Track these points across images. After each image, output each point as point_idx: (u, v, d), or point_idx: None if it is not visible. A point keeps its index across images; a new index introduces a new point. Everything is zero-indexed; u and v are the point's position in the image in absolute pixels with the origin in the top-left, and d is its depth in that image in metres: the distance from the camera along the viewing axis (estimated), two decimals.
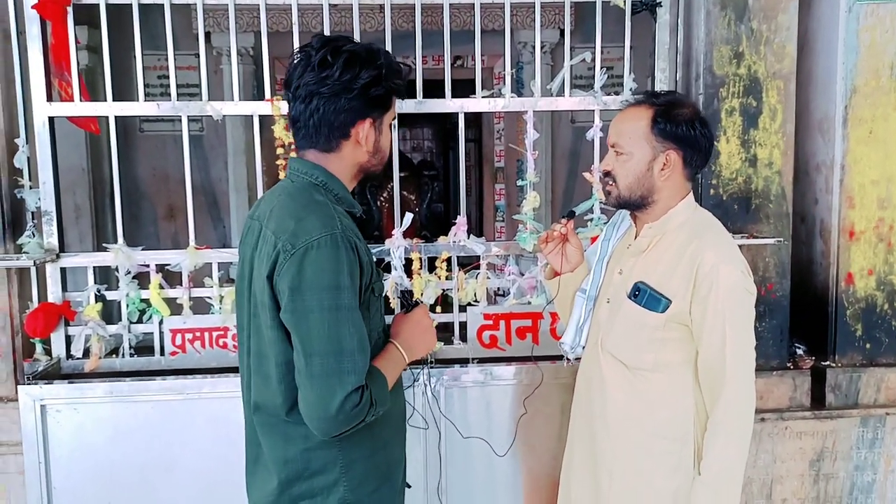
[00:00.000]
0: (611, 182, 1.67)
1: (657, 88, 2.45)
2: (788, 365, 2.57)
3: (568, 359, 1.85)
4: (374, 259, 1.51)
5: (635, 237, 1.73)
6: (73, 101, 2.34)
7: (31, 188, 2.40)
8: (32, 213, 2.42)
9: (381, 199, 7.78)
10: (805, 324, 2.65)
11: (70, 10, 2.30)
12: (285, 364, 1.37)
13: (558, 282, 1.88)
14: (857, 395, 2.53)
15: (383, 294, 1.52)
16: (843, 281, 2.54)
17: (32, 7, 2.25)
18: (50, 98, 2.32)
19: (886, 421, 2.48)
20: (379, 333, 1.50)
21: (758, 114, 2.46)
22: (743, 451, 1.58)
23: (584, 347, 1.81)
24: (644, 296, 1.62)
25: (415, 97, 2.42)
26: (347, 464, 1.42)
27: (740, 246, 2.36)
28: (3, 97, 2.38)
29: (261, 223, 1.42)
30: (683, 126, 1.61)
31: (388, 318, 1.60)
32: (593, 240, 2.16)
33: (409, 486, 1.69)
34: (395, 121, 2.37)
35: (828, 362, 2.57)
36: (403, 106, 2.42)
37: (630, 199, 1.66)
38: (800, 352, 2.60)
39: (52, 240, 2.35)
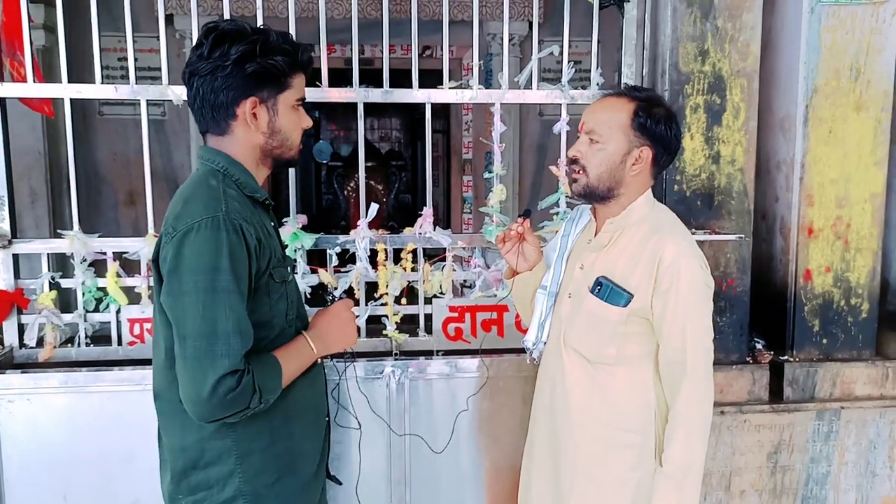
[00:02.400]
0: (578, 170, 1.66)
1: (623, 83, 2.46)
2: (748, 359, 2.61)
3: (532, 358, 1.85)
4: (280, 244, 1.49)
5: (595, 233, 1.74)
6: (25, 81, 2.26)
7: None
8: None
9: (349, 188, 7.73)
10: (765, 319, 2.70)
11: None
12: (172, 349, 1.35)
13: (514, 280, 1.88)
14: (814, 390, 2.58)
15: (287, 280, 1.48)
16: (802, 277, 2.59)
17: None
18: (1, 78, 2.24)
19: (841, 415, 2.54)
20: (290, 321, 1.48)
21: (721, 111, 2.48)
22: (703, 442, 1.60)
23: (545, 343, 1.81)
24: (606, 290, 1.63)
25: (370, 84, 2.39)
26: (243, 454, 1.40)
27: (702, 242, 2.40)
28: None
29: None
30: (662, 125, 1.63)
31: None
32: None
33: (340, 483, 1.69)
34: (363, 109, 2.36)
35: (786, 357, 2.62)
36: (370, 95, 2.39)
37: (597, 189, 1.66)
38: (759, 346, 2.65)
39: (4, 225, 2.28)
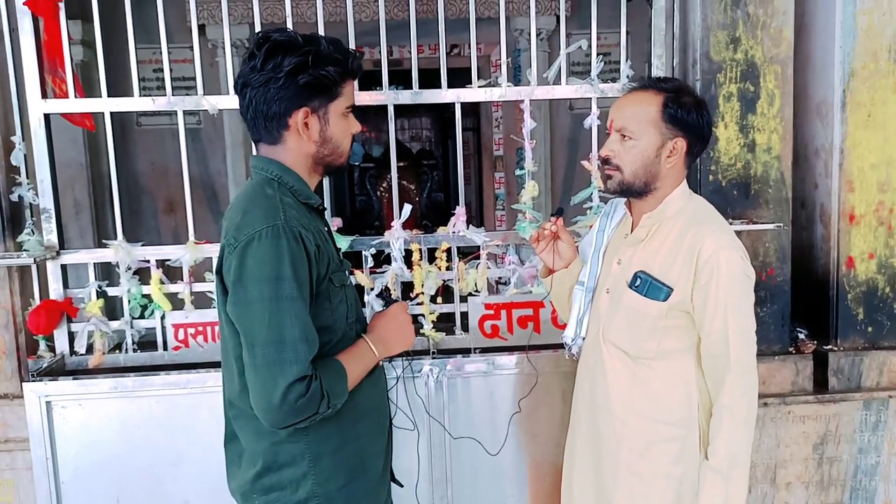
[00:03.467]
0: (612, 168, 1.65)
1: (654, 75, 2.44)
2: (790, 349, 2.57)
3: (571, 353, 1.85)
4: (351, 251, 1.50)
5: (632, 227, 1.73)
6: (67, 97, 2.34)
7: (28, 186, 2.40)
8: (31, 210, 2.43)
9: (381, 189, 7.79)
10: (807, 308, 2.65)
11: (62, 5, 2.29)
12: (241, 358, 1.36)
13: (552, 279, 1.88)
14: (860, 379, 2.53)
15: (346, 284, 1.50)
16: (844, 265, 2.54)
17: (24, 3, 2.24)
18: (45, 95, 2.31)
19: (889, 404, 2.49)
20: (350, 324, 1.49)
21: (756, 99, 2.45)
22: (749, 434, 1.59)
23: (584, 339, 1.81)
24: (645, 285, 1.63)
25: (399, 85, 2.40)
26: (315, 457, 1.42)
27: (740, 232, 2.37)
28: None
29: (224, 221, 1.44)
30: (693, 113, 1.61)
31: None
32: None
33: (402, 486, 1.69)
34: (393, 111, 2.39)
35: (830, 346, 2.57)
36: (399, 97, 2.41)
37: (634, 185, 1.65)
38: (802, 336, 2.60)
39: (52, 237, 2.35)
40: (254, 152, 2.36)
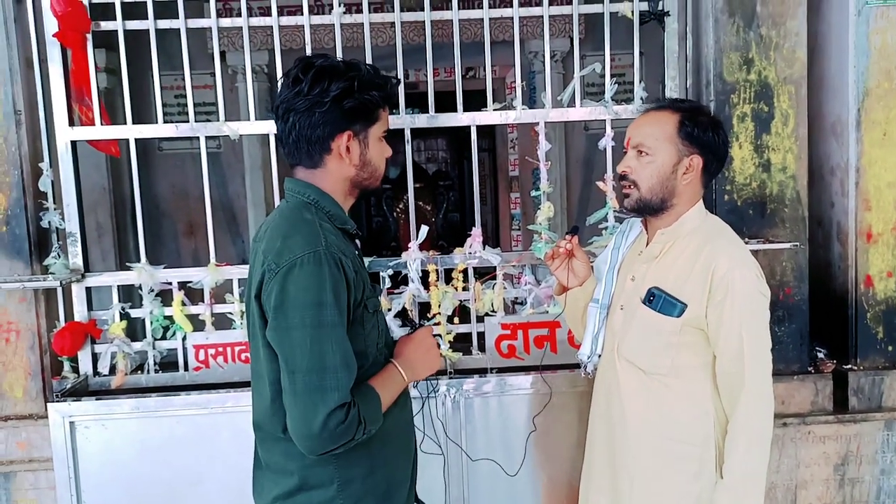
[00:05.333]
0: (629, 185, 1.67)
1: (668, 96, 2.46)
2: (809, 369, 2.55)
3: (587, 372, 1.86)
4: (369, 273, 1.51)
5: (647, 244, 1.74)
6: (93, 125, 2.40)
7: (55, 210, 2.46)
8: (57, 234, 2.48)
9: (398, 210, 7.83)
10: (825, 327, 2.63)
11: (90, 37, 2.36)
12: (277, 383, 1.37)
13: (566, 297, 1.90)
14: (881, 399, 2.51)
15: (379, 309, 1.50)
16: (863, 283, 2.52)
17: (53, 35, 2.32)
18: (72, 122, 2.38)
19: None
20: (380, 350, 1.49)
21: (770, 119, 2.46)
22: (765, 453, 1.58)
23: (600, 356, 1.82)
24: (659, 301, 1.63)
25: (415, 108, 2.44)
26: (344, 482, 1.42)
27: (756, 251, 2.37)
28: (28, 123, 2.45)
29: (257, 244, 1.45)
30: (710, 132, 1.64)
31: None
32: None
33: None
34: (409, 133, 2.43)
35: (849, 366, 2.55)
36: (416, 121, 2.45)
37: (651, 201, 1.66)
38: (821, 355, 2.58)
39: (77, 260, 2.41)
40: (273, 175, 2.44)
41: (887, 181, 2.49)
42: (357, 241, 1.56)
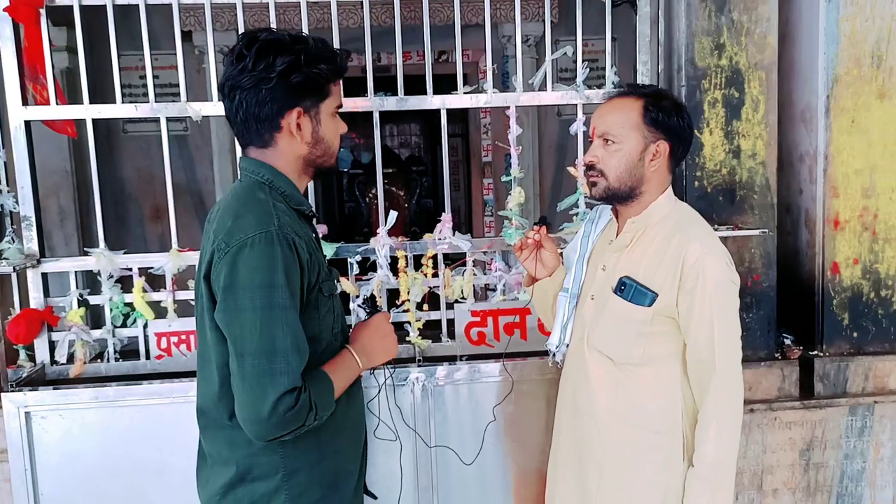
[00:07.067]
0: (597, 174, 1.66)
1: (640, 81, 2.44)
2: (776, 355, 2.57)
3: (556, 361, 1.84)
4: (336, 259, 1.47)
5: (617, 233, 1.72)
6: (48, 104, 2.31)
7: (9, 194, 2.37)
8: (11, 218, 2.40)
9: (370, 195, 7.77)
10: (792, 314, 2.65)
11: (43, 12, 2.26)
12: (225, 367, 1.33)
13: (534, 288, 1.88)
14: (846, 385, 2.54)
15: (334, 293, 1.47)
16: (829, 270, 2.54)
17: (4, 9, 2.21)
18: (25, 102, 2.29)
19: (875, 409, 2.49)
20: (335, 335, 1.46)
21: (740, 105, 2.45)
22: (735, 440, 1.59)
23: (568, 345, 1.80)
24: (630, 290, 1.62)
25: (387, 91, 2.40)
26: (290, 472, 1.39)
27: (725, 238, 2.37)
28: None
29: (209, 225, 1.40)
30: (674, 116, 1.63)
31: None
32: None
33: (375, 497, 1.67)
34: (379, 117, 2.38)
35: (816, 352, 2.57)
36: (385, 104, 2.40)
37: (619, 189, 1.65)
38: (788, 342, 2.61)
39: (32, 245, 2.32)
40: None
41: (855, 168, 2.50)
42: (313, 223, 1.52)
